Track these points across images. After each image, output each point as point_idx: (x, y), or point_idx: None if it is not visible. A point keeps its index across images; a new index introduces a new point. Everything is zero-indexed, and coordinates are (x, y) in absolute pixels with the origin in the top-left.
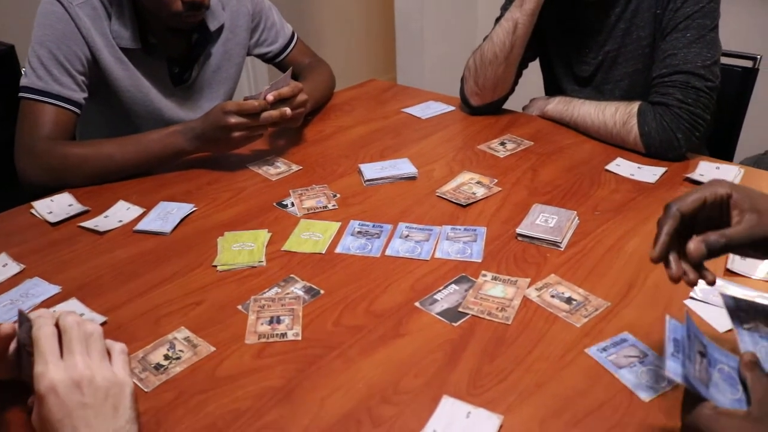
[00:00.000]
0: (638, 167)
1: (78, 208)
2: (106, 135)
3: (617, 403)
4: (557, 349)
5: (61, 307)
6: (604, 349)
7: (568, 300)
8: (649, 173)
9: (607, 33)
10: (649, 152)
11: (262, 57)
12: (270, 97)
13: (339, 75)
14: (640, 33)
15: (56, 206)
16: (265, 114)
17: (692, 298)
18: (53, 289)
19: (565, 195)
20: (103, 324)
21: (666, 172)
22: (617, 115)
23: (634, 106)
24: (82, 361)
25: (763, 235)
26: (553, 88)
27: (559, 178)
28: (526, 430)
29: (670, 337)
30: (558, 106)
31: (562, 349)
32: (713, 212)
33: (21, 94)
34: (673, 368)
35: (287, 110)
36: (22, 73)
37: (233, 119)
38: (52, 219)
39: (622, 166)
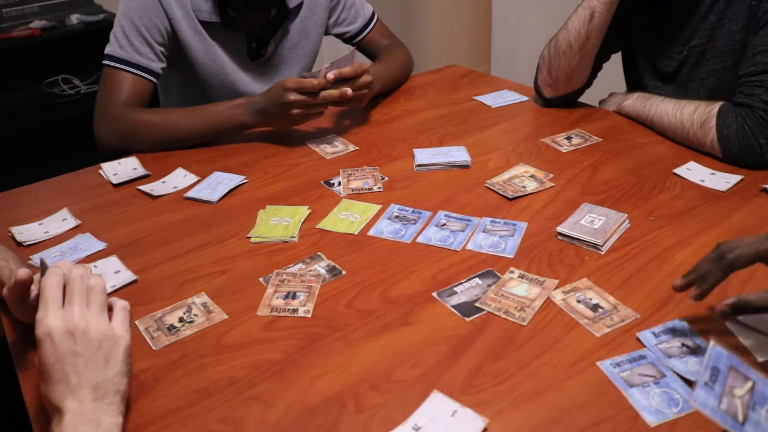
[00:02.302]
0: (711, 173)
1: (141, 171)
2: (185, 104)
3: (618, 423)
4: (568, 357)
5: (100, 263)
6: (618, 365)
7: (594, 307)
8: (722, 180)
9: (695, 25)
10: (726, 157)
11: (341, 37)
12: (330, 75)
13: (437, 64)
14: (732, 27)
15: (122, 169)
16: (324, 92)
17: (735, 320)
18: (99, 246)
19: (621, 196)
20: (133, 282)
21: (741, 180)
22: (696, 114)
23: (715, 106)
24: (79, 312)
25: None
26: (634, 84)
27: (620, 178)
28: None
29: (709, 365)
30: (635, 102)
31: (574, 358)
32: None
33: (104, 62)
34: (701, 398)
35: (348, 90)
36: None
37: (292, 96)
38: (115, 180)
39: (693, 171)
